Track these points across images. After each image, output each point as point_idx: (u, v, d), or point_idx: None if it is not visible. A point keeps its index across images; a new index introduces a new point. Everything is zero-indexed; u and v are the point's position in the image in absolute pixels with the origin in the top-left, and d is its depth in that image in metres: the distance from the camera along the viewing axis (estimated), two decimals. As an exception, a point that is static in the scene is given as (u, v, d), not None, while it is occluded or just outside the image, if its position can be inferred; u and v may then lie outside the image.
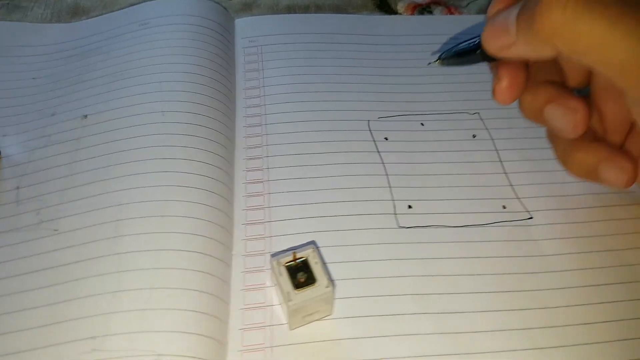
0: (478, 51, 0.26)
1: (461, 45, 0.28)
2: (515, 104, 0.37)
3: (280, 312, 0.26)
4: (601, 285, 0.28)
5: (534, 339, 0.26)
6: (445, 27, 0.43)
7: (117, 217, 0.28)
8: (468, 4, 0.47)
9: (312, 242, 0.29)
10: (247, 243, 0.29)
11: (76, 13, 0.43)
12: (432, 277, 0.28)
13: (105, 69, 0.36)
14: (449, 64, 0.29)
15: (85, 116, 0.34)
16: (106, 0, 0.44)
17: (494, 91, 0.27)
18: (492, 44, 0.25)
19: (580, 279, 0.28)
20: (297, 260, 0.25)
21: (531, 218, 0.31)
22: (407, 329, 0.26)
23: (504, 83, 0.27)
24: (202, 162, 0.30)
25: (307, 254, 0.25)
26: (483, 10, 0.46)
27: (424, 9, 0.45)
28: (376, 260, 0.28)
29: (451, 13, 0.45)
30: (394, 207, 0.31)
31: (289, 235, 0.29)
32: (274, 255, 0.27)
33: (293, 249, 0.25)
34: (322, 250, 0.29)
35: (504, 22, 0.24)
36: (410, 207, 0.31)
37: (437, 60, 0.29)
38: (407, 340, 0.26)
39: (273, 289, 0.27)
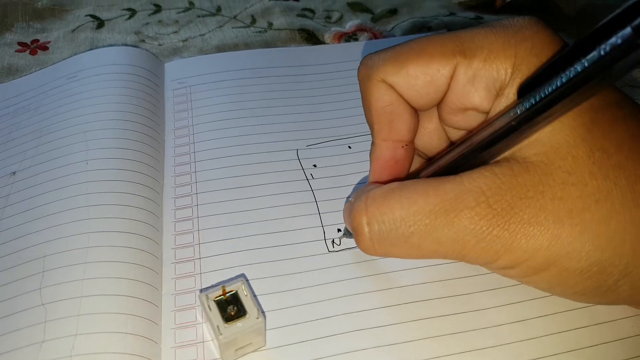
0: None
1: None
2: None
3: (213, 348, 0.26)
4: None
5: (470, 342, 0.26)
6: (371, 51, 0.44)
7: (42, 269, 0.28)
8: (393, 27, 0.48)
9: (242, 275, 0.29)
10: (177, 281, 0.29)
11: (10, 72, 0.44)
12: (364, 295, 0.28)
13: (32, 125, 0.36)
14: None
15: (14, 173, 0.34)
16: (40, 58, 0.45)
17: None
18: (348, 225, 0.27)
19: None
20: (227, 294, 0.25)
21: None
22: (343, 348, 0.26)
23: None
24: (127, 206, 0.30)
25: (236, 286, 0.25)
26: (407, 33, 0.47)
27: (350, 37, 0.47)
28: (307, 287, 0.29)
29: (376, 38, 0.47)
30: (324, 232, 0.31)
31: (220, 271, 0.29)
32: (202, 290, 0.27)
33: (223, 283, 0.25)
34: (254, 282, 0.29)
35: (347, 215, 0.26)
36: (339, 230, 0.31)
37: (343, 236, 0.31)
38: (344, 359, 0.26)
39: (205, 325, 0.27)
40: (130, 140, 0.34)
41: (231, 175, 0.34)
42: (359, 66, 0.27)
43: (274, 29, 0.48)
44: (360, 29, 0.48)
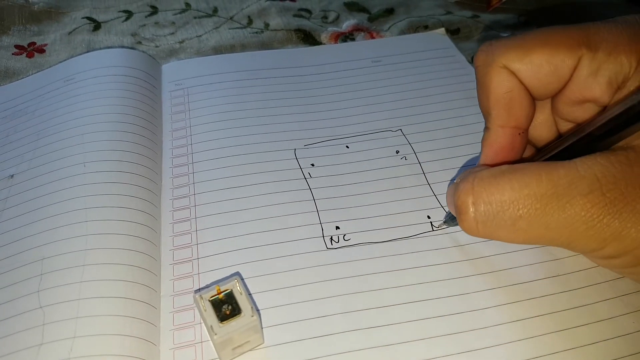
0: None
1: None
2: (436, 116, 0.38)
3: (212, 348, 0.26)
4: (531, 281, 0.29)
5: (468, 342, 0.26)
6: (367, 51, 0.44)
7: (40, 272, 0.28)
8: (390, 27, 0.48)
9: (237, 274, 0.29)
10: (175, 282, 0.29)
11: (7, 75, 0.44)
12: (361, 294, 0.28)
13: (30, 128, 0.36)
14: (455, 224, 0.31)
15: (12, 176, 0.34)
16: (36, 61, 0.45)
17: None
18: (452, 210, 0.27)
19: (509, 277, 0.29)
20: (222, 293, 0.25)
21: (456, 225, 0.31)
22: (340, 348, 0.26)
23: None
24: (124, 208, 0.30)
25: (231, 285, 0.25)
26: (404, 32, 0.47)
27: (346, 37, 0.47)
28: (305, 284, 0.29)
29: (373, 38, 0.47)
30: (322, 230, 0.31)
31: (219, 270, 0.29)
32: (197, 291, 0.27)
33: (218, 282, 0.25)
34: (253, 280, 0.29)
35: (451, 199, 0.26)
36: (338, 227, 0.31)
37: (443, 223, 0.31)
38: (341, 359, 0.26)
39: (203, 325, 0.27)
40: (127, 142, 0.34)
41: (229, 175, 0.34)
42: (477, 53, 0.27)
43: (271, 30, 0.48)
44: (357, 28, 0.48)
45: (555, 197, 0.22)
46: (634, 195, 0.21)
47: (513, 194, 0.23)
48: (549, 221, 0.22)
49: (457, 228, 0.31)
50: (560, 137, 0.28)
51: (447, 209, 0.32)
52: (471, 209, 0.24)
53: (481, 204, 0.24)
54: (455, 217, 0.27)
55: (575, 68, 0.25)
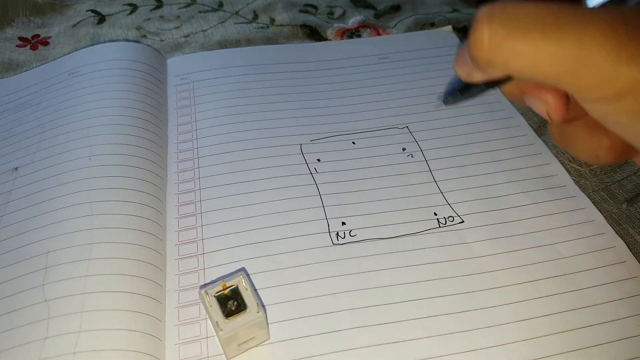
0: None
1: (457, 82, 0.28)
2: (443, 114, 0.38)
3: (217, 344, 0.26)
4: (536, 280, 0.29)
5: (473, 341, 0.26)
6: (373, 47, 0.44)
7: (45, 265, 0.27)
8: (396, 24, 0.48)
9: (243, 269, 0.29)
10: (181, 278, 0.29)
11: (11, 67, 0.44)
12: (368, 290, 0.28)
13: (34, 121, 0.36)
14: (455, 102, 0.30)
15: (16, 169, 0.33)
16: (40, 53, 0.45)
17: (548, 115, 0.27)
18: (460, 73, 0.27)
19: (515, 276, 0.29)
20: (228, 289, 0.25)
21: (462, 222, 0.31)
22: (346, 345, 0.26)
23: (551, 101, 0.27)
24: (130, 202, 0.30)
25: (236, 281, 0.25)
26: (410, 29, 0.47)
27: (352, 33, 0.47)
28: (311, 280, 0.28)
29: (379, 34, 0.46)
30: (328, 225, 0.31)
31: (224, 265, 0.29)
32: (202, 286, 0.27)
33: (223, 278, 0.25)
34: (258, 275, 0.29)
35: (462, 50, 0.25)
36: (344, 223, 0.31)
37: (441, 102, 0.30)
38: (348, 356, 0.26)
39: (208, 320, 0.27)
40: (133, 137, 0.34)
41: (235, 170, 0.34)
42: None
43: (276, 25, 0.48)
44: (363, 25, 0.48)
45: (575, 16, 0.21)
46: None
47: (534, 8, 0.22)
48: (563, 36, 0.21)
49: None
50: None
51: (453, 206, 0.32)
52: (487, 18, 0.23)
53: (499, 14, 0.22)
54: (459, 90, 0.28)
55: None
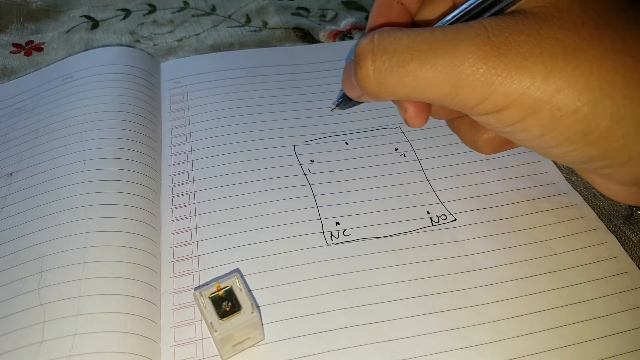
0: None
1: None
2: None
3: (212, 345, 0.26)
4: (530, 277, 0.29)
5: (467, 338, 0.27)
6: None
7: (40, 269, 0.28)
8: (388, 25, 0.48)
9: (237, 270, 0.29)
10: (175, 280, 0.29)
11: (5, 73, 0.44)
12: (361, 289, 0.28)
13: (29, 127, 0.36)
14: (347, 107, 0.33)
15: (11, 174, 0.34)
16: (34, 59, 0.45)
17: (405, 121, 0.29)
18: (351, 94, 0.29)
19: (509, 273, 0.29)
20: (222, 290, 0.25)
21: (455, 220, 0.31)
22: (341, 344, 0.26)
23: (411, 111, 0.28)
24: (124, 205, 0.30)
25: (231, 282, 0.25)
26: (402, 30, 0.48)
27: (344, 35, 0.47)
28: (306, 280, 0.29)
29: (371, 35, 0.47)
30: (322, 225, 0.31)
31: (219, 267, 0.29)
32: (197, 288, 0.27)
33: (218, 279, 0.25)
34: (254, 276, 0.29)
35: (348, 72, 0.27)
36: (338, 223, 0.31)
37: (335, 107, 0.33)
38: (342, 355, 0.26)
39: (203, 322, 0.27)
40: (127, 140, 0.34)
41: (229, 172, 0.34)
42: None
43: (269, 28, 0.48)
44: (355, 27, 0.48)
45: (444, 41, 0.23)
46: (517, 40, 0.22)
47: (408, 40, 0.24)
48: (437, 62, 0.23)
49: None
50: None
51: (446, 205, 0.32)
52: (370, 56, 0.24)
53: (379, 52, 0.24)
54: (348, 99, 0.30)
55: None
